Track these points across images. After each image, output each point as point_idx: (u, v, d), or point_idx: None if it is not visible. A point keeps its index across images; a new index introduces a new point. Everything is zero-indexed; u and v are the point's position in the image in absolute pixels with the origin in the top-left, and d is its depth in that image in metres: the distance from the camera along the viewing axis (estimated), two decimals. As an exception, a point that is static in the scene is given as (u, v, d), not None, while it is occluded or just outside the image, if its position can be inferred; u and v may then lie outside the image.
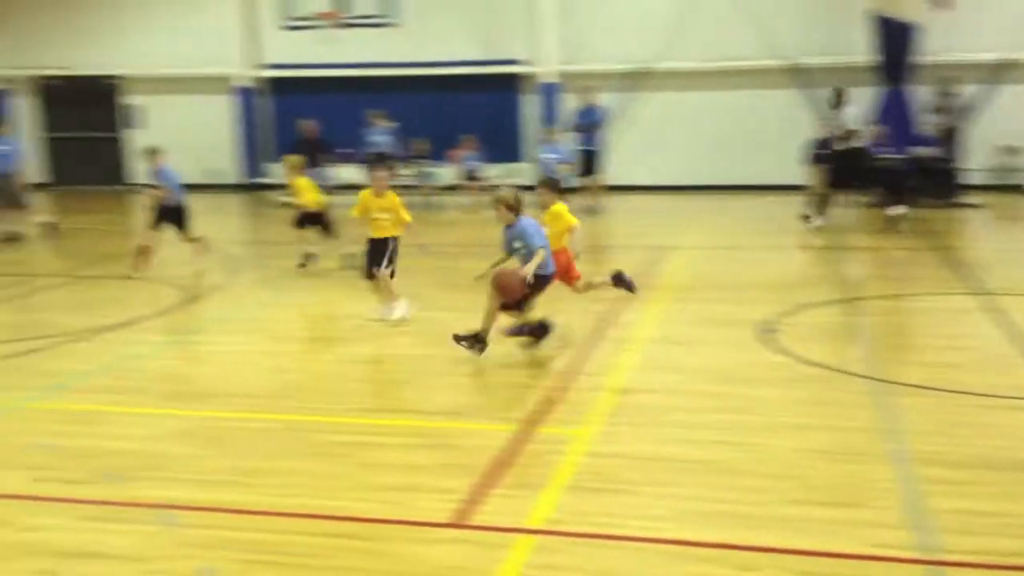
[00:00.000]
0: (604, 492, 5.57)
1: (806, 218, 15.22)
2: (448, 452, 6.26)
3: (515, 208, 8.36)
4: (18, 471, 5.99)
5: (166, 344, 9.15)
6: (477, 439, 6.47)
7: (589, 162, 18.16)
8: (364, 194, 9.65)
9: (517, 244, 8.30)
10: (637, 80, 20.42)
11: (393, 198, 9.71)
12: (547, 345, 8.34)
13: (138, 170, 22.75)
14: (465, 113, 21.48)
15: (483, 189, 18.96)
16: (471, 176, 18.95)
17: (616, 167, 19.63)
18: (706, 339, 8.98)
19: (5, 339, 9.14)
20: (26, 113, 23.67)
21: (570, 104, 19.79)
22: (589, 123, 18.20)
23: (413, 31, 21.64)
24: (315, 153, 19.71)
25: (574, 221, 8.96)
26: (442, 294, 10.85)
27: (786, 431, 6.52)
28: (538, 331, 8.36)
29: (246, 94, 22.45)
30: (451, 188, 19.66)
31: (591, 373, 7.92)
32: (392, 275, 9.54)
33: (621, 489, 5.61)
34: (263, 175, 22.39)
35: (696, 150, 20.65)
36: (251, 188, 22.30)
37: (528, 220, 8.39)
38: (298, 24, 21.91)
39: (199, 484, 5.76)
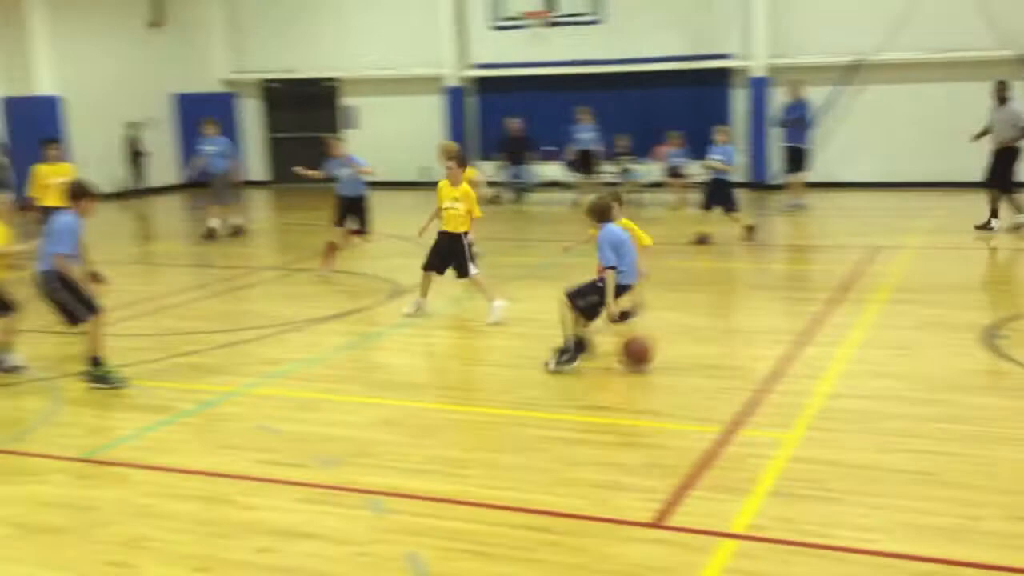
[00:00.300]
0: (810, 499, 5.40)
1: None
2: (650, 452, 6.22)
3: (601, 215, 7.91)
4: (242, 452, 6.35)
5: (374, 336, 9.48)
6: (679, 440, 6.40)
7: (796, 158, 17.64)
8: (440, 183, 9.81)
9: (598, 254, 7.88)
10: (852, 73, 19.67)
11: (467, 189, 9.63)
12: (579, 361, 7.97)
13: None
14: (671, 109, 21.27)
15: (687, 186, 18.73)
16: (675, 173, 18.75)
17: (827, 163, 19.00)
18: (924, 343, 8.56)
19: (227, 328, 9.71)
20: (251, 115, 25.08)
21: (778, 99, 19.28)
22: (797, 118, 17.66)
23: (619, 28, 21.58)
24: (520, 151, 20.03)
25: (646, 241, 8.40)
26: (649, 291, 10.78)
27: (1009, 443, 6.14)
28: (579, 347, 7.97)
29: (455, 94, 22.99)
30: (655, 185, 19.51)
31: (798, 376, 7.69)
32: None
33: (828, 497, 5.42)
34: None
35: (915, 145, 19.69)
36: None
37: (609, 231, 7.85)
38: (507, 24, 22.25)
39: (406, 472, 5.95)
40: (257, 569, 4.78)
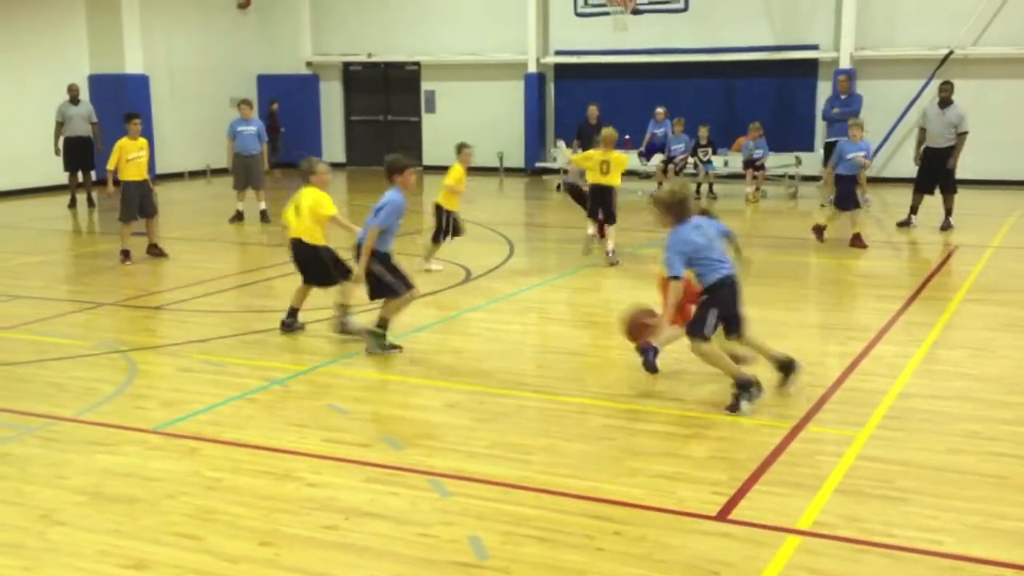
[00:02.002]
0: (877, 498, 5.29)
1: None
2: (715, 444, 6.16)
3: (674, 210, 6.73)
4: (310, 431, 6.44)
5: (445, 320, 9.53)
6: (745, 433, 6.33)
7: None
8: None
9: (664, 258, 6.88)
10: (941, 67, 19.20)
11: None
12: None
13: (433, 153, 23.94)
14: (753, 100, 21.02)
15: (767, 178, 18.47)
16: (754, 164, 18.50)
17: (908, 160, 18.61)
18: (1000, 344, 8.34)
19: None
20: (330, 97, 25.36)
21: (826, 92, 18.90)
22: (848, 112, 17.19)
23: (703, 16, 21.37)
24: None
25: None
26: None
27: (1091, 450, 5.95)
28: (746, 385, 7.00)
29: (536, 80, 22.97)
30: (734, 176, 19.28)
31: (871, 373, 7.55)
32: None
33: (896, 497, 5.31)
34: (546, 160, 22.89)
35: (999, 142, 19.14)
36: (536, 172, 22.83)
37: (681, 230, 6.70)
38: (591, 11, 22.14)
39: (470, 456, 5.97)
40: (321, 546, 4.84)
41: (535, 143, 23.06)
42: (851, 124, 13.58)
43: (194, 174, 22.55)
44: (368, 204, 8.72)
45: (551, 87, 23.37)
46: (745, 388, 6.64)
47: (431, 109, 24.45)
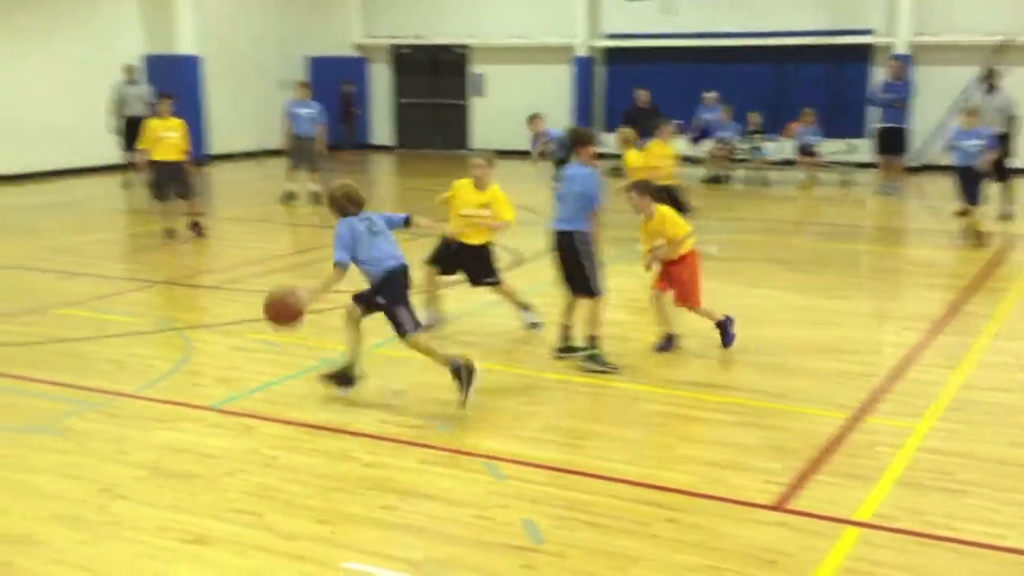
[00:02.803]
0: (938, 491, 5.22)
1: None
2: (773, 434, 6.11)
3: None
4: (365, 410, 6.47)
5: (495, 302, 9.51)
6: (804, 423, 6.27)
7: (894, 140, 16.89)
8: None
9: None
10: (999, 54, 18.83)
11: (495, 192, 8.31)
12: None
13: (481, 136, 23.94)
14: (805, 85, 20.77)
15: (819, 165, 18.25)
16: (806, 151, 18.28)
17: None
18: (1066, 337, 8.19)
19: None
20: (380, 79, 25.39)
21: (877, 77, 18.58)
22: (897, 99, 16.91)
23: (754, 0, 21.12)
24: (647, 123, 19.78)
25: (685, 229, 7.67)
26: (774, 271, 10.59)
27: None
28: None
29: (585, 64, 22.86)
30: (785, 163, 19.08)
31: (930, 364, 7.44)
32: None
33: (958, 489, 5.24)
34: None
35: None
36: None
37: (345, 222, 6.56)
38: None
39: (524, 440, 5.97)
40: (378, 525, 4.87)
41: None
42: (966, 109, 12.77)
43: (245, 155, 22.72)
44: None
45: (600, 71, 23.24)
46: (457, 373, 6.41)
47: (479, 92, 24.41)
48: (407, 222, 6.98)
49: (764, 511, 5.01)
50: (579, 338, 7.52)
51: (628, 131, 12.49)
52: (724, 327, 7.75)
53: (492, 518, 4.92)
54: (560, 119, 22.95)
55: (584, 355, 7.39)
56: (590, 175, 7.43)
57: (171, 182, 12.36)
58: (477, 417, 6.35)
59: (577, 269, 7.35)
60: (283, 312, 6.36)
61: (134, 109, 17.53)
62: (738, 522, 4.90)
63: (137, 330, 8.48)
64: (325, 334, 8.30)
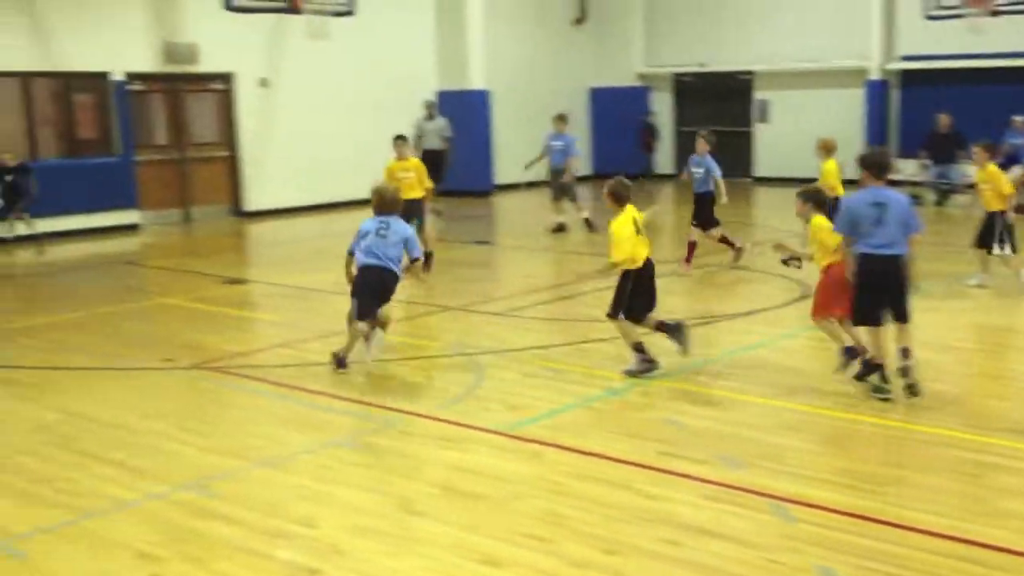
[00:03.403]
0: None
1: None
2: (1097, 489, 5.55)
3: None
4: (646, 442, 6.45)
5: (783, 337, 9.25)
6: None
7: None
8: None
9: None
10: None
11: None
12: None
13: (765, 164, 23.49)
14: None
15: None
16: None
17: None
18: None
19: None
20: (661, 108, 25.42)
21: None
22: None
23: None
24: (947, 149, 18.68)
25: (835, 240, 7.37)
26: None
27: None
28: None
29: (879, 87, 21.91)
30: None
31: None
32: None
33: None
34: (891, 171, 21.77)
35: None
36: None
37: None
38: (942, 14, 20.81)
39: (814, 481, 5.75)
40: (666, 560, 4.82)
41: (877, 154, 21.95)
42: None
43: (531, 185, 23.38)
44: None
45: (895, 95, 22.20)
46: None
47: (764, 119, 23.94)
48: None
49: (1090, 577, 4.56)
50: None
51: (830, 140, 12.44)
52: (850, 354, 7.48)
53: (784, 563, 4.76)
54: (852, 145, 22.14)
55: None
56: (906, 200, 7.26)
57: (411, 218, 12.89)
58: (762, 454, 6.17)
59: (902, 293, 7.12)
60: None
61: (431, 143, 18.48)
62: (1060, 586, 4.49)
63: (432, 353, 8.88)
64: (607, 363, 8.36)
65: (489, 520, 5.31)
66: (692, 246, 12.47)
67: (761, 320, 9.88)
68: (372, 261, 7.95)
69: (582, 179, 24.25)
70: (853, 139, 22.16)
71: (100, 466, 6.19)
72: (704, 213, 12.59)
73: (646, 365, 7.87)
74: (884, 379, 7.14)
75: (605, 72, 25.32)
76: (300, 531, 5.23)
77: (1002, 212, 10.77)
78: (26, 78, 16.29)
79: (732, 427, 6.78)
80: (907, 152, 20.82)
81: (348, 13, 16.16)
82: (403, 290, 11.70)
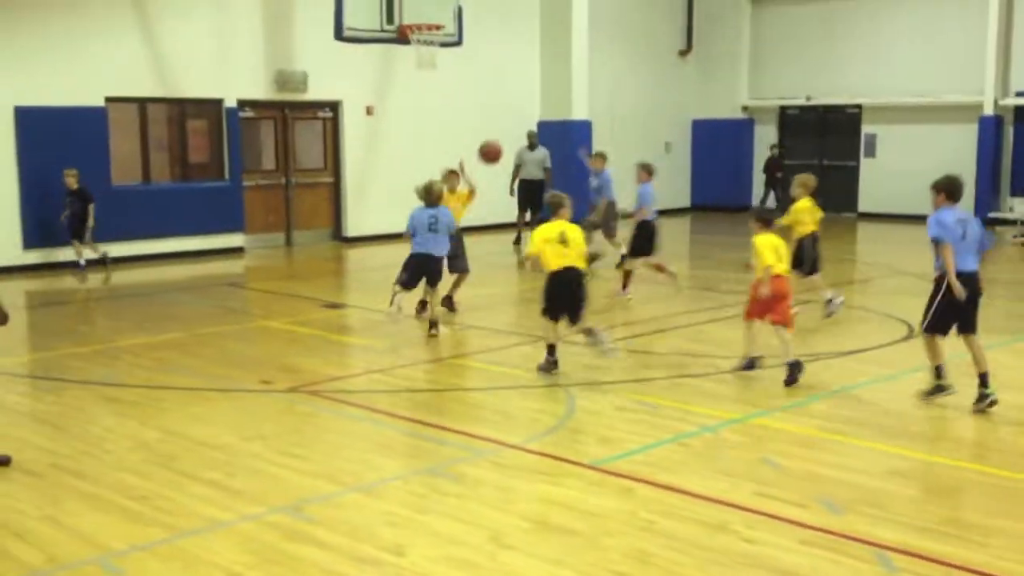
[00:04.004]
0: None
1: None
2: None
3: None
4: (743, 482, 6.31)
5: (886, 379, 8.98)
6: None
7: None
8: None
9: None
10: None
11: None
12: None
13: (870, 198, 22.99)
14: None
15: None
16: None
17: None
18: None
19: (733, 355, 9.73)
20: (764, 141, 25.10)
21: None
22: None
23: None
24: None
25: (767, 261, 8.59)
26: None
27: None
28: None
29: (992, 123, 21.27)
30: None
31: None
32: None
33: None
34: (1002, 209, 21.10)
35: None
36: (989, 223, 21.09)
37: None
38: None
39: (917, 530, 5.54)
40: (758, 606, 4.70)
41: (988, 191, 21.31)
42: None
43: (627, 216, 23.26)
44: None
45: (1009, 131, 21.52)
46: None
47: (871, 153, 23.46)
48: None
49: None
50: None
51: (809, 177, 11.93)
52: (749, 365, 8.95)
53: (884, 613, 4.59)
54: (964, 181, 21.49)
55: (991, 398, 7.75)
56: (976, 218, 8.11)
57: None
58: (864, 500, 5.97)
59: (975, 307, 7.85)
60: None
61: (530, 173, 18.53)
62: None
63: (524, 383, 8.85)
64: (702, 398, 8.23)
65: (578, 556, 5.24)
66: (659, 267, 12.93)
67: (865, 360, 9.61)
68: (424, 250, 10.42)
69: (678, 212, 24.10)
70: (964, 176, 21.51)
71: (197, 486, 6.31)
72: (636, 241, 12.76)
73: (548, 366, 8.97)
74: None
75: (709, 104, 25.14)
76: (389, 559, 5.23)
77: None
78: (144, 104, 16.86)
79: (832, 470, 6.59)
80: (1021, 191, 20.18)
81: (456, 44, 16.33)
82: (495, 318, 11.77)
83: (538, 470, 6.60)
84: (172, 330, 11.15)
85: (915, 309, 11.60)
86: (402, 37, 15.36)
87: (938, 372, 7.96)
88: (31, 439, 7.31)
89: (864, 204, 23.25)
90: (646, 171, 13.05)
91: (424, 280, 10.56)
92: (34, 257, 15.53)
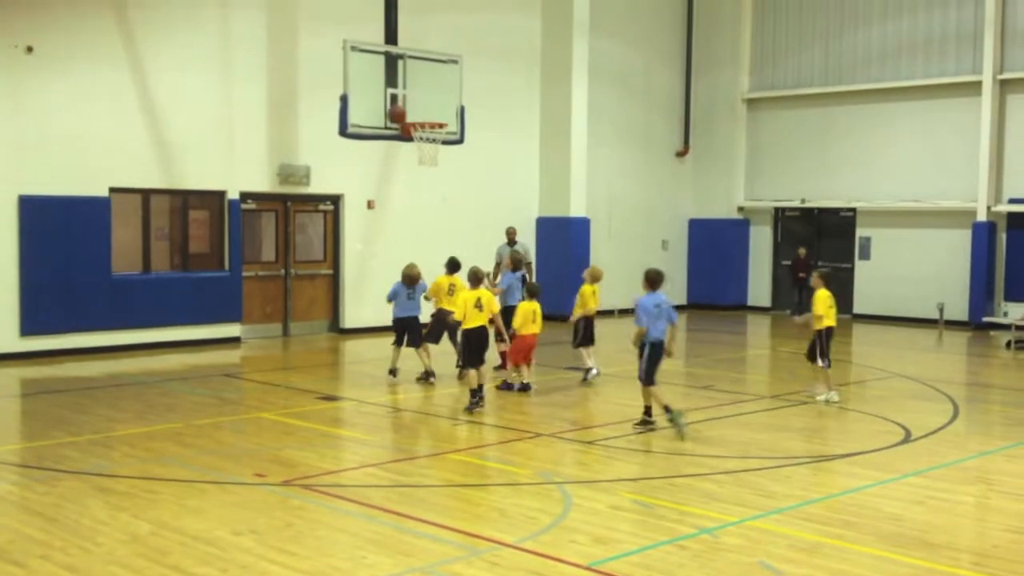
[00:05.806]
0: None
1: None
2: None
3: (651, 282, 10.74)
4: (740, 587, 6.24)
5: (882, 483, 8.94)
6: None
7: None
8: None
9: None
10: None
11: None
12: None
13: (865, 300, 23.11)
14: None
15: None
16: None
17: None
18: None
19: (732, 455, 9.70)
20: (759, 241, 25.37)
21: None
22: None
23: None
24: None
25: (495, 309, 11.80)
26: None
27: None
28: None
29: (985, 229, 21.52)
30: None
31: None
32: None
33: None
34: (995, 314, 21.21)
35: None
36: (982, 327, 21.19)
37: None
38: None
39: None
40: None
41: (981, 295, 21.46)
42: None
43: (623, 312, 23.38)
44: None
45: (1003, 236, 21.78)
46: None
47: (865, 256, 23.67)
48: None
49: None
50: None
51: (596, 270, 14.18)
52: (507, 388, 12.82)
53: None
54: (956, 286, 21.70)
55: None
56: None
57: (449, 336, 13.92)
58: (864, 608, 5.90)
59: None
60: None
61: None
62: None
63: (520, 480, 8.80)
64: (699, 499, 8.18)
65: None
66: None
67: (862, 463, 9.57)
68: (406, 314, 13.68)
69: (675, 309, 24.14)
70: (958, 280, 21.73)
71: (188, 580, 6.23)
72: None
73: (473, 403, 11.54)
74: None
75: (705, 204, 25.47)
76: (381, 660, 5.14)
77: None
78: (147, 194, 17.04)
79: (830, 575, 6.52)
80: (1014, 296, 20.32)
81: (458, 142, 16.60)
82: (489, 414, 11.75)
83: (533, 570, 6.52)
84: (167, 420, 11.11)
85: (911, 412, 11.65)
86: (405, 135, 15.59)
87: (648, 411, 10.67)
88: (22, 530, 7.23)
89: (860, 306, 23.39)
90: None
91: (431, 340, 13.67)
92: (32, 344, 15.54)
